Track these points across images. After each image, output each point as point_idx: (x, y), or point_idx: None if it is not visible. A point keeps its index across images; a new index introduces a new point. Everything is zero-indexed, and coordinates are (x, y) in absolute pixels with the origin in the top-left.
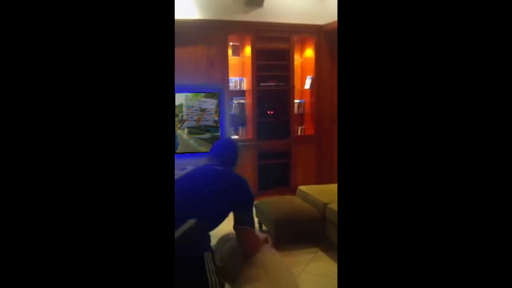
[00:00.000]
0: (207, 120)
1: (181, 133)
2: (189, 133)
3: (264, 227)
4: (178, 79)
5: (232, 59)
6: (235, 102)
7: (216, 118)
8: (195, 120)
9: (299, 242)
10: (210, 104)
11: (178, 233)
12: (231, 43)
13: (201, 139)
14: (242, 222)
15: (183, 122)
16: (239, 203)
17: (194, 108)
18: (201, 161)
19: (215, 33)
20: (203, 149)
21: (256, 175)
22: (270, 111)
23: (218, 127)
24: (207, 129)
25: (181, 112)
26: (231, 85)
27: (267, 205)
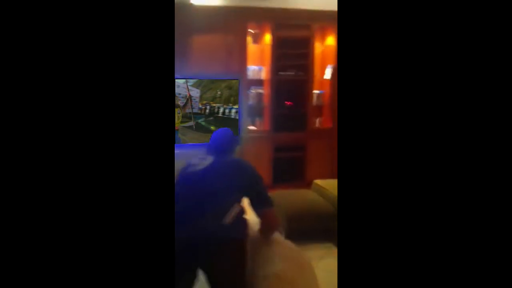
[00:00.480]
0: (193, 108)
1: None
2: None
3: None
4: (195, 67)
5: (252, 47)
6: (253, 91)
7: (201, 106)
8: (182, 108)
9: (312, 237)
10: (196, 92)
11: (229, 218)
12: (250, 30)
13: (186, 127)
14: (260, 203)
15: (191, 107)
16: (250, 183)
17: (181, 96)
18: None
19: (233, 20)
20: (187, 138)
21: (271, 167)
22: (288, 102)
23: (202, 114)
24: (191, 116)
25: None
26: (249, 74)
27: (280, 198)
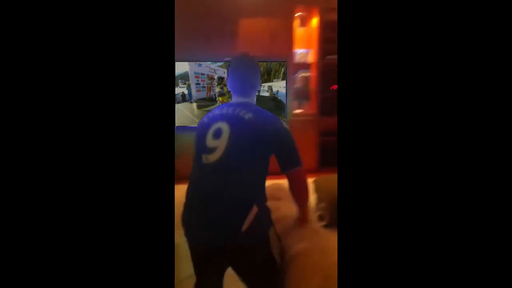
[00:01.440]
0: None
1: (188, 109)
2: (199, 107)
3: (323, 204)
4: (242, 49)
5: (299, 30)
6: (300, 75)
7: (220, 90)
8: (204, 89)
9: None
10: (222, 73)
11: (245, 225)
12: (298, 14)
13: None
14: (290, 164)
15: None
16: (280, 145)
17: (205, 76)
18: None
19: (281, 3)
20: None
21: (318, 151)
22: (335, 86)
23: (226, 95)
24: (217, 99)
25: (188, 81)
26: (296, 57)
27: (326, 183)
